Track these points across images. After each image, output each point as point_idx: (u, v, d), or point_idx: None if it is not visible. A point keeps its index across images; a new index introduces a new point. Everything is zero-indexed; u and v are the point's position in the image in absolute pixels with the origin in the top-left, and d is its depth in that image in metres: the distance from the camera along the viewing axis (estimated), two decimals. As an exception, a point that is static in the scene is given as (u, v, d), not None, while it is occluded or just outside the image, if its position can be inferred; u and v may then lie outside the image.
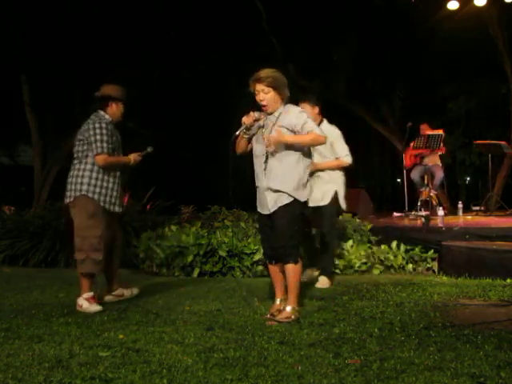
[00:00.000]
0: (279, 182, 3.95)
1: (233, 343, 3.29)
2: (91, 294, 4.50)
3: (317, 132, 3.97)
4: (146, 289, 5.29)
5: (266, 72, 4.00)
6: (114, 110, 4.66)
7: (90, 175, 4.49)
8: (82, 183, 4.48)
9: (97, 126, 4.51)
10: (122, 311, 4.33)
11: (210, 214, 7.86)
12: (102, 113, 4.63)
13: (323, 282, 5.31)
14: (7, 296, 5.09)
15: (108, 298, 4.78)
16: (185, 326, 3.78)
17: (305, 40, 12.51)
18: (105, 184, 4.53)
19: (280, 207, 3.94)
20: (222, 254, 6.23)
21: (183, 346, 3.26)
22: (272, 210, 3.97)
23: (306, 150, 4.03)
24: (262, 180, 4.03)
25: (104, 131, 4.50)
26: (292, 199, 3.93)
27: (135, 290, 4.96)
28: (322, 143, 4.07)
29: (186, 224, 7.40)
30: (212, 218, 7.69)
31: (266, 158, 3.99)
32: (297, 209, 3.97)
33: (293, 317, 3.87)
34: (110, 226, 4.61)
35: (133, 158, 4.74)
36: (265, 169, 4.00)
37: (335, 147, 5.31)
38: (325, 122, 5.38)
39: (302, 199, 3.98)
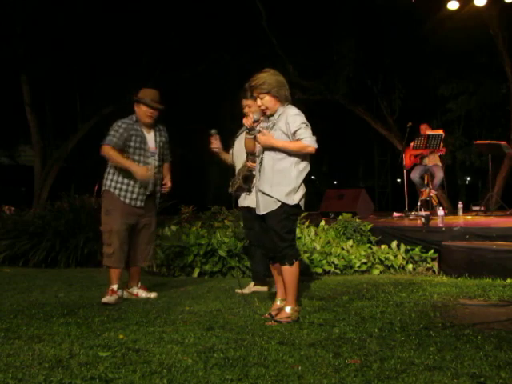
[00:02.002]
0: (269, 186, 3.93)
1: (233, 343, 3.29)
2: (113, 286, 4.70)
3: (306, 142, 3.86)
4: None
5: (258, 79, 3.99)
6: (138, 111, 4.85)
7: (114, 171, 4.76)
8: (107, 179, 4.80)
9: (115, 123, 4.78)
10: (122, 311, 4.33)
11: (209, 213, 7.86)
12: (134, 115, 4.87)
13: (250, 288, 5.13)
14: (7, 296, 5.09)
15: (124, 293, 4.86)
16: (185, 326, 3.78)
17: (305, 40, 12.52)
18: (126, 181, 4.73)
19: (270, 211, 3.94)
20: (222, 254, 6.23)
21: (183, 345, 3.26)
22: (262, 214, 3.99)
23: (301, 154, 3.95)
24: (257, 180, 4.07)
25: (116, 128, 4.73)
26: (280, 203, 3.90)
27: (153, 294, 4.92)
28: (310, 152, 3.92)
29: (185, 224, 7.40)
30: (212, 217, 7.69)
31: (262, 159, 4.00)
32: (287, 212, 3.92)
33: (292, 317, 3.86)
34: (132, 222, 4.76)
35: (140, 172, 4.68)
36: (259, 170, 4.02)
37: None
38: None
39: (292, 203, 3.92)
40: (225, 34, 12.43)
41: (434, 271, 6.21)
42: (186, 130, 14.75)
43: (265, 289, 5.08)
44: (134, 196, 4.75)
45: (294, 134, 3.90)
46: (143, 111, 4.82)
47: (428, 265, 6.29)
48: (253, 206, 4.77)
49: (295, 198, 3.94)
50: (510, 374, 2.68)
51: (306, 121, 3.96)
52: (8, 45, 11.81)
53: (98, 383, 2.68)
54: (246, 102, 4.97)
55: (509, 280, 5.33)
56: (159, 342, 3.36)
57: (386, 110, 13.80)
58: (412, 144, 9.13)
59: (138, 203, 4.78)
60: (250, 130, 4.10)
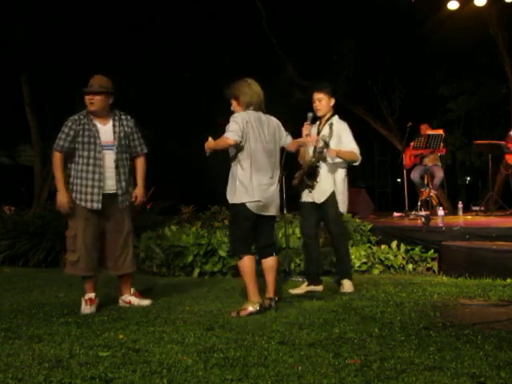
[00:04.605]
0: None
1: (233, 343, 3.29)
2: (90, 295, 4.44)
3: (226, 135, 4.20)
4: (147, 289, 5.29)
5: (229, 87, 4.44)
6: (85, 102, 4.50)
7: (70, 173, 4.47)
8: (68, 182, 4.51)
9: (65, 122, 4.48)
10: (122, 311, 4.33)
11: (209, 214, 7.87)
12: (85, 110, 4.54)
13: (349, 286, 5.07)
14: (7, 296, 5.10)
15: (119, 302, 4.67)
16: (185, 326, 3.78)
17: (305, 40, 12.51)
18: (78, 181, 4.41)
19: None
20: (222, 254, 6.23)
21: (183, 345, 3.27)
22: None
23: (239, 154, 4.27)
24: None
25: (64, 128, 4.45)
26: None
27: (145, 302, 4.63)
28: (228, 144, 4.21)
29: (185, 224, 7.41)
30: (212, 217, 7.70)
31: None
32: (231, 210, 4.38)
33: (250, 309, 4.07)
34: (98, 226, 4.45)
35: (60, 201, 4.38)
36: None
37: (343, 140, 4.97)
38: (336, 116, 5.12)
39: (232, 201, 4.28)
40: (225, 34, 12.42)
41: (434, 271, 6.21)
42: (186, 129, 14.76)
43: (319, 288, 5.05)
44: (89, 197, 4.38)
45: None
46: (86, 100, 4.46)
47: (428, 265, 6.29)
48: (317, 200, 5.03)
49: (234, 197, 4.25)
50: (510, 374, 2.69)
51: (236, 118, 4.25)
52: (8, 45, 11.81)
53: (98, 383, 2.68)
54: (317, 96, 5.07)
55: (509, 280, 5.34)
56: (159, 341, 3.37)
57: (386, 110, 13.79)
58: (412, 144, 9.13)
59: (95, 205, 4.39)
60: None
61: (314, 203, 5.05)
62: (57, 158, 4.46)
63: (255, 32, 12.52)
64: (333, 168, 5.00)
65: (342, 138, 4.96)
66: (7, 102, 13.45)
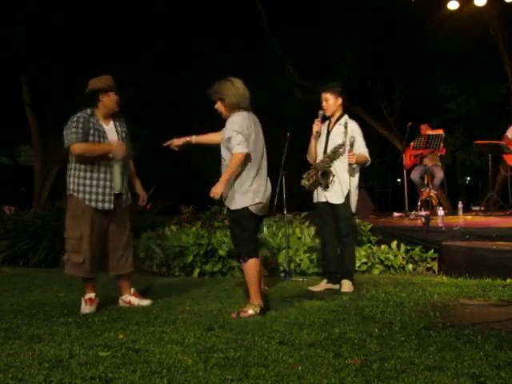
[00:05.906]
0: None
1: (233, 343, 3.29)
2: (90, 295, 4.44)
3: (234, 152, 4.03)
4: (146, 289, 5.29)
5: (212, 88, 4.31)
6: (106, 101, 4.46)
7: (74, 173, 4.40)
8: (69, 183, 4.44)
9: (70, 119, 4.39)
10: (122, 311, 4.33)
11: (209, 214, 7.86)
12: (88, 109, 4.46)
13: (348, 286, 5.09)
14: (7, 296, 5.10)
15: (119, 302, 4.66)
16: (185, 326, 3.78)
17: (305, 40, 12.51)
18: (88, 182, 4.37)
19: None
20: (222, 254, 6.23)
21: (183, 345, 3.26)
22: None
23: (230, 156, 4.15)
24: None
25: (74, 124, 4.34)
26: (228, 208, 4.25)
27: (145, 302, 4.62)
28: (243, 158, 4.05)
29: (186, 224, 7.41)
30: (212, 217, 7.69)
31: None
32: (231, 215, 4.25)
33: (250, 311, 4.07)
34: (103, 227, 4.45)
35: (118, 149, 4.39)
36: None
37: (357, 143, 5.08)
38: (346, 116, 5.21)
39: (233, 208, 4.17)
40: (225, 34, 12.42)
41: (434, 271, 6.21)
42: (186, 129, 14.75)
43: (337, 286, 5.18)
44: (100, 198, 4.37)
45: (228, 142, 4.09)
46: (113, 99, 4.46)
47: (428, 265, 6.29)
48: (332, 201, 5.06)
49: (238, 202, 4.14)
50: (510, 374, 2.69)
51: (235, 127, 4.09)
52: (8, 45, 11.81)
53: (98, 383, 2.68)
54: (324, 96, 5.15)
55: (509, 280, 5.34)
56: (159, 342, 3.37)
57: (386, 110, 13.80)
58: (412, 144, 9.13)
59: (106, 205, 4.39)
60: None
61: (327, 202, 5.11)
62: (81, 145, 4.33)
63: (255, 32, 12.52)
64: (349, 169, 5.06)
65: (355, 140, 5.07)
66: (7, 102, 13.45)
